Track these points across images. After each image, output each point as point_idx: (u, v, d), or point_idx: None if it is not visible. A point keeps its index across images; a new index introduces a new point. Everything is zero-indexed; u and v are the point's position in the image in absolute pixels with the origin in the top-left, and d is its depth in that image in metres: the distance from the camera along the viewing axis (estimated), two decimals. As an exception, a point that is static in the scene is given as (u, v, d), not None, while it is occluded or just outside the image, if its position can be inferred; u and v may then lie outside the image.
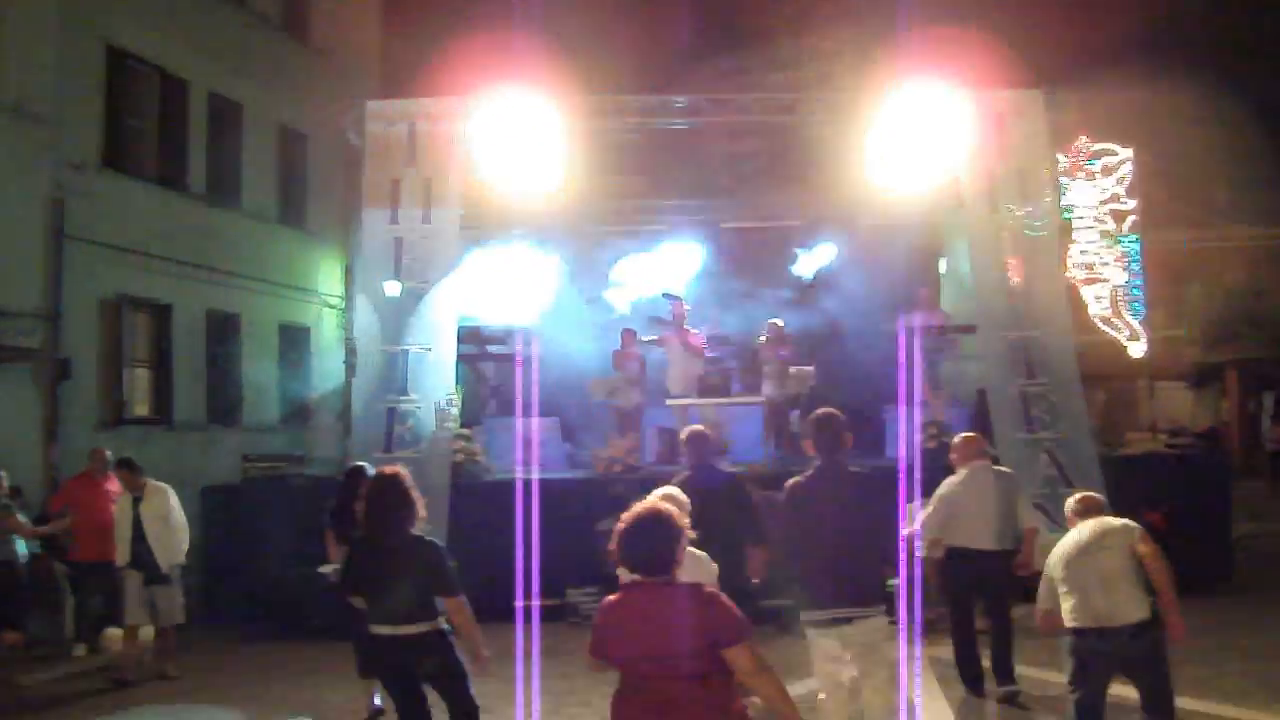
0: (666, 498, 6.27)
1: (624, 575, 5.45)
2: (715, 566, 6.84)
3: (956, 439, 9.97)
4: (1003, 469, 9.84)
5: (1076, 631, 6.95)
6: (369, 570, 6.69)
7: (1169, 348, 31.62)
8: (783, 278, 20.00)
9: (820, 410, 7.48)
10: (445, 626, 6.70)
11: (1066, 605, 7.00)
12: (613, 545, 4.86)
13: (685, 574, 4.97)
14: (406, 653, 6.60)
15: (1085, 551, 7.07)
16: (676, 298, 18.17)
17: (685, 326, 16.97)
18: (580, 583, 12.76)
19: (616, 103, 15.39)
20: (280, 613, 12.97)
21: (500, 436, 16.08)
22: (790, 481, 7.14)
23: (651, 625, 4.68)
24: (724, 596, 4.80)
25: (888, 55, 29.49)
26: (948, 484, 9.33)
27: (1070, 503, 7.68)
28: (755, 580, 8.70)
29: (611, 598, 4.89)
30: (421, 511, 6.76)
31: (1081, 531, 7.25)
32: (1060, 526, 12.57)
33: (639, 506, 4.99)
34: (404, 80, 23.62)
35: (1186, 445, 16.02)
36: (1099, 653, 6.90)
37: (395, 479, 6.73)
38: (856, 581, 6.80)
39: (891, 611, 7.12)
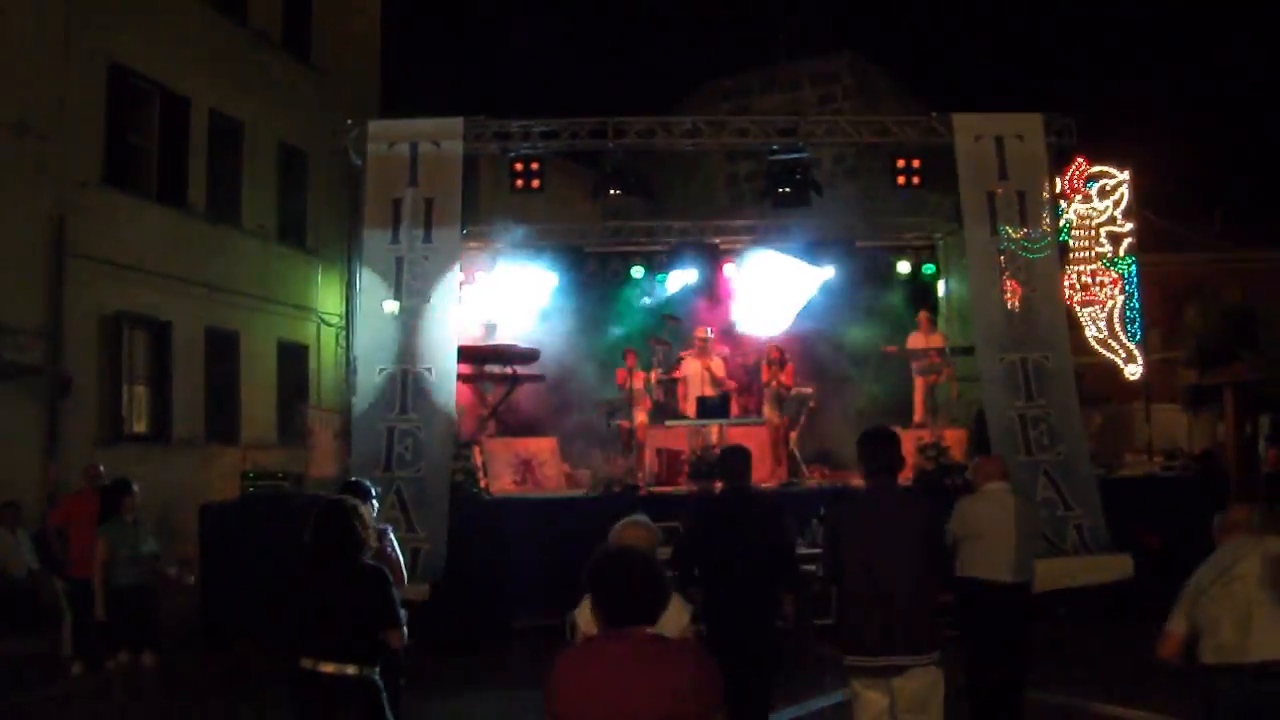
0: (633, 525, 5.96)
1: (584, 623, 4.97)
2: (687, 613, 5.94)
3: (976, 459, 9.83)
4: (1024, 496, 9.55)
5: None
6: (308, 600, 6.22)
7: (1165, 370, 31.65)
8: (783, 299, 20.04)
9: (871, 426, 6.99)
10: (376, 677, 6.09)
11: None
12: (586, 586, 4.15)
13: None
14: (327, 695, 6.01)
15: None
16: (679, 319, 18.25)
17: (709, 353, 16.99)
18: (578, 604, 12.73)
19: (616, 124, 15.41)
20: (280, 631, 12.92)
21: (499, 456, 16.10)
22: (833, 506, 6.53)
23: (626, 686, 3.87)
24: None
25: (891, 78, 29.72)
26: (964, 502, 8.45)
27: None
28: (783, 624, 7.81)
29: (573, 650, 4.17)
30: (372, 542, 6.43)
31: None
32: (1058, 549, 12.70)
33: (611, 546, 4.48)
34: (404, 98, 23.76)
35: (1183, 467, 16.04)
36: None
37: (343, 507, 6.37)
38: (911, 622, 6.08)
39: (943, 659, 6.26)
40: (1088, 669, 11.06)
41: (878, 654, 6.08)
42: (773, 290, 19.83)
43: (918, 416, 17.54)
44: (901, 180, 15.65)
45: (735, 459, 7.93)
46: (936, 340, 17.70)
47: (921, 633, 6.12)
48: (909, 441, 14.15)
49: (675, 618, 5.52)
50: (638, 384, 16.70)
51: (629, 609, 4.03)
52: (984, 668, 8.07)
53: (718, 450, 14.67)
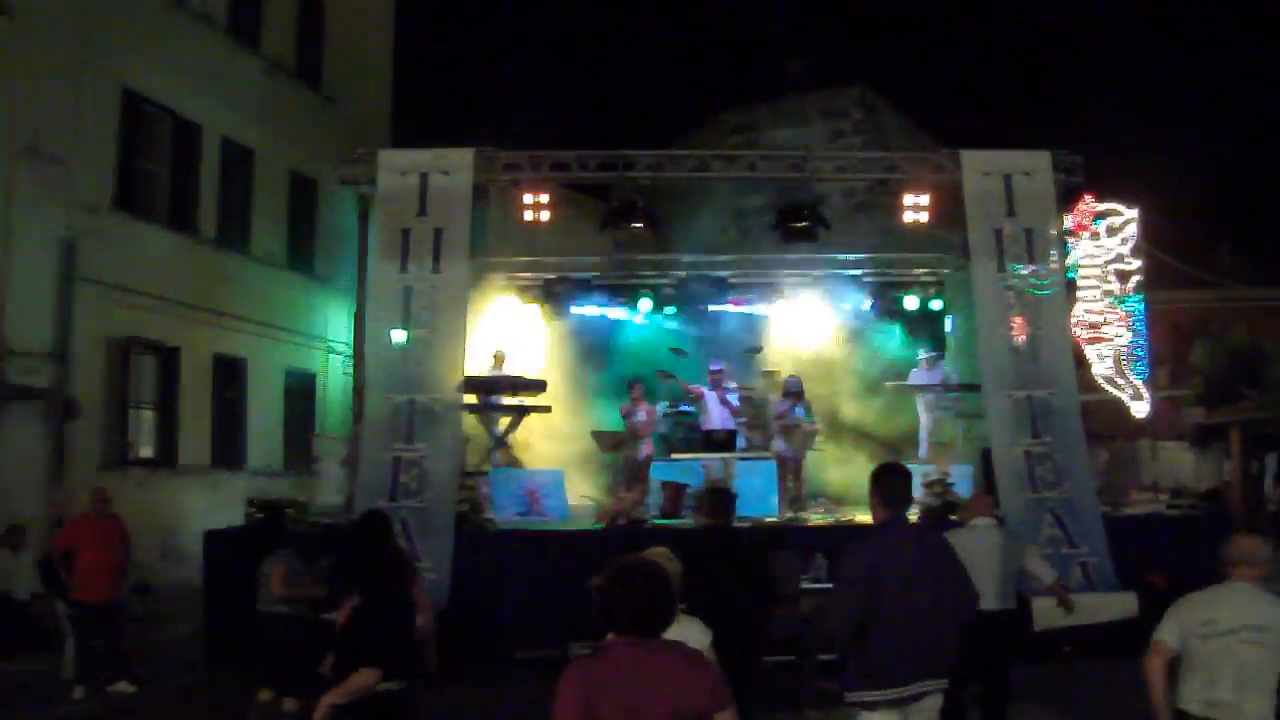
0: (657, 554, 6.07)
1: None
2: (708, 636, 6.17)
3: (969, 498, 9.92)
4: (1010, 531, 9.75)
5: None
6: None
7: (1172, 407, 31.63)
8: (790, 334, 20.09)
9: (885, 462, 7.15)
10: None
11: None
12: (598, 603, 4.39)
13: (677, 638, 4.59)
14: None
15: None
16: (685, 353, 18.30)
17: (723, 386, 17.04)
18: (582, 636, 12.68)
19: (626, 158, 15.47)
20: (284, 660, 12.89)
21: (504, 487, 16.09)
22: (854, 547, 6.42)
23: (642, 687, 4.20)
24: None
25: (900, 114, 29.79)
26: (952, 535, 8.51)
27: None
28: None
29: (586, 659, 4.38)
30: None
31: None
32: (1063, 588, 12.63)
33: (628, 559, 4.66)
34: (415, 128, 23.85)
35: (1189, 506, 15.99)
36: None
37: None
38: (936, 651, 6.24)
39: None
40: (1091, 708, 11.01)
41: (908, 684, 6.16)
42: (784, 325, 19.91)
43: (922, 452, 17.54)
44: (910, 217, 15.70)
45: (717, 498, 8.70)
46: (938, 376, 17.74)
47: (941, 657, 6.27)
48: (914, 477, 14.11)
49: (698, 639, 5.83)
50: (643, 417, 16.71)
51: (639, 619, 4.31)
52: (958, 688, 8.07)
53: (721, 485, 14.75)
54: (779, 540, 12.97)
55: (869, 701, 6.21)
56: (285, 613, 9.60)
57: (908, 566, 6.23)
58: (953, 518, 12.23)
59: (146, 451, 18.70)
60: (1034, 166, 14.80)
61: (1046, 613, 11.97)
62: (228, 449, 20.46)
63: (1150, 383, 18.23)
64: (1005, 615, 8.84)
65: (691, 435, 17.59)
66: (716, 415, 16.80)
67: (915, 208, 15.62)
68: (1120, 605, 12.41)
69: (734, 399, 17.03)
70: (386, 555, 6.70)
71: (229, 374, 20.66)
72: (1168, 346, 29.19)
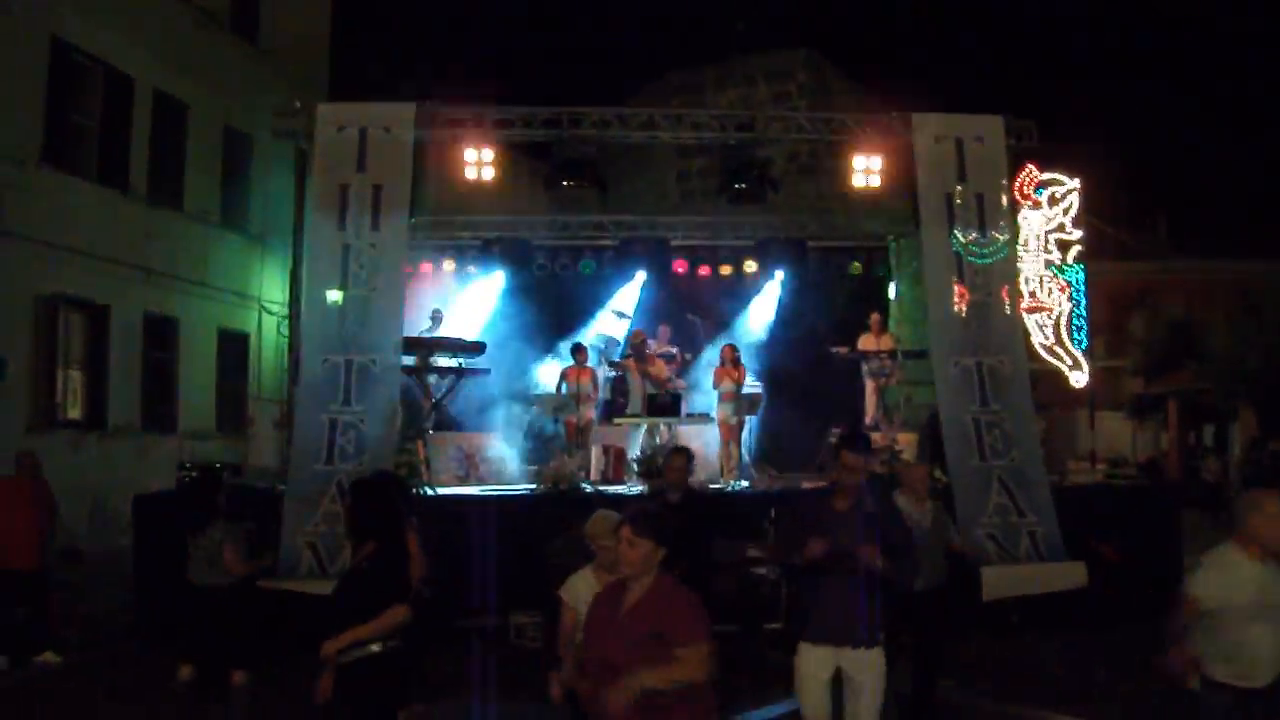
0: (603, 517, 6.50)
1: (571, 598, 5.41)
2: None
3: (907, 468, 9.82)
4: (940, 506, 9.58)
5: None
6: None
7: (1109, 378, 31.89)
8: (734, 298, 19.95)
9: (850, 428, 7.31)
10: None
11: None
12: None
13: None
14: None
15: None
16: (627, 316, 18.08)
17: (648, 354, 16.89)
18: (523, 604, 12.45)
19: (571, 115, 15.17)
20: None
21: (443, 450, 15.83)
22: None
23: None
24: None
25: (849, 77, 29.67)
26: None
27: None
28: None
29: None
30: None
31: None
32: (1010, 556, 12.57)
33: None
34: (354, 84, 23.42)
35: (1129, 476, 16.03)
36: None
37: None
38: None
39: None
40: (1040, 678, 10.96)
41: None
42: (722, 288, 19.77)
43: (869, 419, 17.46)
44: (859, 181, 15.54)
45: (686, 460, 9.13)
46: (887, 343, 17.66)
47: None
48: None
49: None
50: (585, 380, 16.50)
51: None
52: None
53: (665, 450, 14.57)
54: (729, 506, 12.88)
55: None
56: (225, 585, 9.28)
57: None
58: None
59: (75, 413, 18.24)
60: (987, 131, 14.62)
61: (995, 584, 11.94)
62: (159, 410, 20.04)
63: (1089, 353, 18.23)
64: (933, 594, 8.67)
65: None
66: (640, 389, 16.71)
67: (866, 171, 15.47)
68: (1068, 575, 12.36)
69: (660, 369, 16.94)
70: (398, 509, 6.62)
71: (160, 333, 20.24)
72: (1105, 317, 29.29)
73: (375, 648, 6.04)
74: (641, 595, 5.09)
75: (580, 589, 6.35)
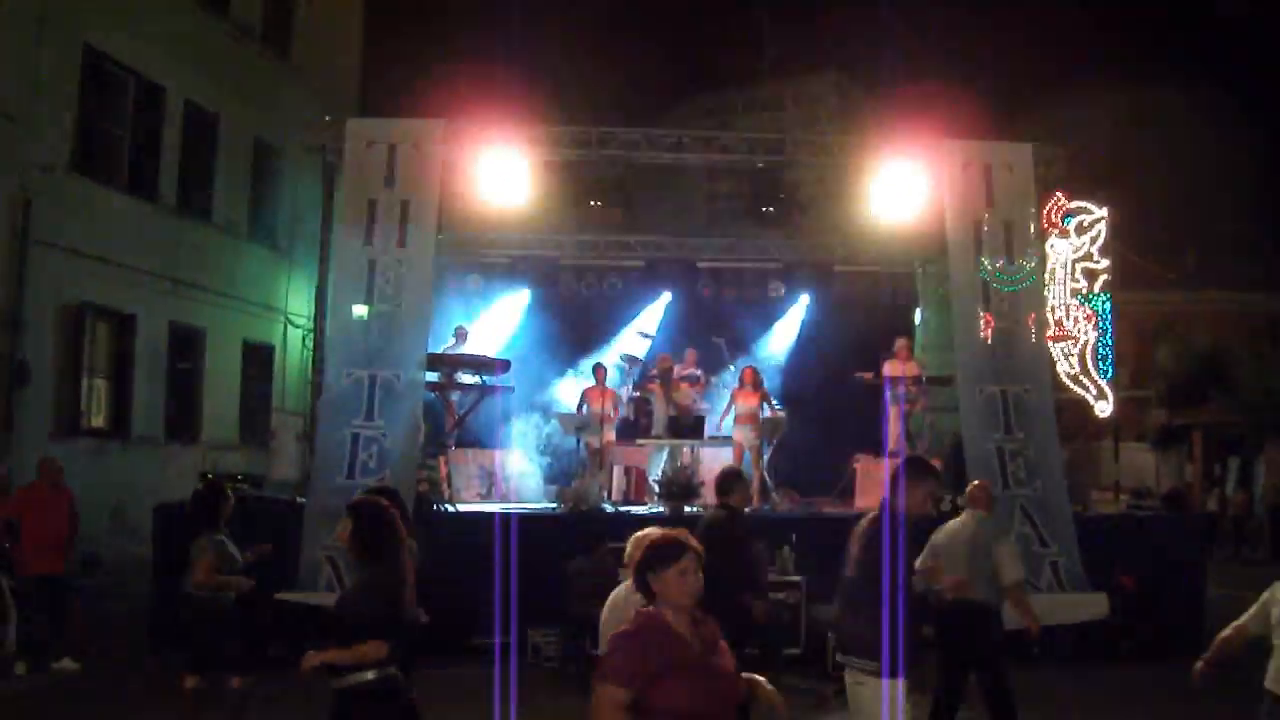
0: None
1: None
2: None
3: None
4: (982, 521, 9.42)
5: None
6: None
7: (1134, 408, 31.71)
8: (758, 321, 19.90)
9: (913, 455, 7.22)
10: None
11: None
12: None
13: None
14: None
15: None
16: (651, 336, 18.05)
17: (674, 379, 16.86)
18: (540, 623, 12.41)
19: (601, 135, 15.18)
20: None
21: (463, 467, 15.80)
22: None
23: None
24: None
25: (877, 102, 29.61)
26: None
27: None
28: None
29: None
30: None
31: None
32: (1032, 586, 12.46)
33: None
34: (384, 100, 23.48)
35: (1152, 507, 15.90)
36: None
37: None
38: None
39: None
40: (1060, 709, 10.84)
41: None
42: (747, 310, 19.72)
43: (892, 445, 17.35)
44: (887, 206, 15.49)
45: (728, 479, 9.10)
46: (913, 369, 17.54)
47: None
48: (883, 470, 13.92)
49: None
50: (608, 400, 16.48)
51: None
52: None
53: (688, 471, 14.53)
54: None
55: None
56: (205, 597, 9.24)
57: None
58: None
59: (98, 421, 18.29)
60: (1016, 159, 14.59)
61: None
62: (182, 420, 20.09)
63: (1114, 383, 18.10)
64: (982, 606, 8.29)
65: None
66: (664, 413, 16.65)
67: (894, 197, 15.41)
68: (1090, 606, 12.26)
69: (685, 395, 16.90)
70: (394, 532, 6.49)
71: (185, 344, 20.29)
72: (1131, 347, 29.18)
73: (370, 675, 5.87)
74: None
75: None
